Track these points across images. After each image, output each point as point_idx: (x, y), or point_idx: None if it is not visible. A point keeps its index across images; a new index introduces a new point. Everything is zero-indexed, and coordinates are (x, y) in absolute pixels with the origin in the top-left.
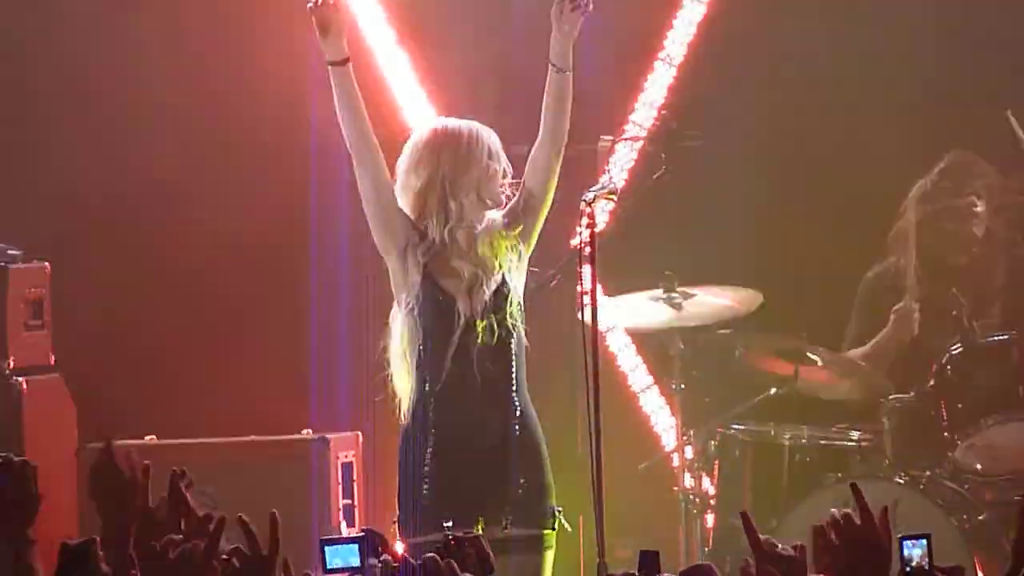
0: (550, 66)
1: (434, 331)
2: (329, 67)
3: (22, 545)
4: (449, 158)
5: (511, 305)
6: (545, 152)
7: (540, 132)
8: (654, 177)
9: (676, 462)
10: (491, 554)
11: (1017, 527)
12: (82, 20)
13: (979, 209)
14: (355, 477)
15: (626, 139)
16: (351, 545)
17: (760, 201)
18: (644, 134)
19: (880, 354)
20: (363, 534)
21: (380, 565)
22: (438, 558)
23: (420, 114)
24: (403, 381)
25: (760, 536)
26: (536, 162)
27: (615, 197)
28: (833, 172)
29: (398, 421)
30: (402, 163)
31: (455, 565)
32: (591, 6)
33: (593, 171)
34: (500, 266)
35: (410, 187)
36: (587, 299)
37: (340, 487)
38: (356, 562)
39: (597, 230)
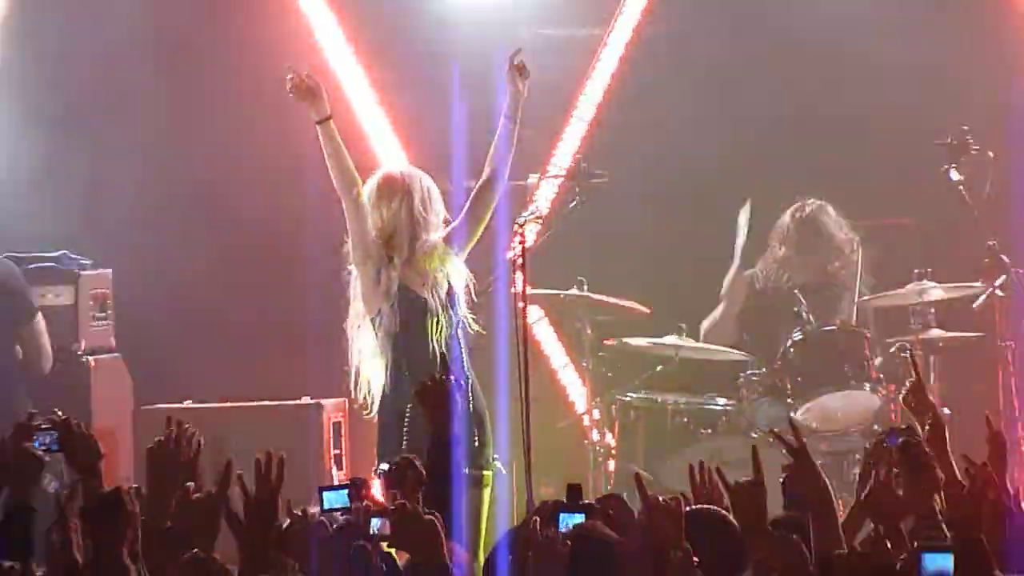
0: (504, 118)
1: (410, 324)
2: (316, 125)
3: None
4: (416, 197)
5: (459, 302)
6: (492, 185)
7: (488, 170)
8: (570, 206)
9: (587, 422)
10: (423, 471)
11: (864, 479)
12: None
13: (817, 257)
14: (343, 433)
15: (549, 177)
16: (342, 491)
17: (651, 224)
18: (562, 173)
19: (721, 325)
20: (351, 482)
21: (362, 507)
22: (405, 503)
23: (392, 158)
24: (378, 365)
25: (648, 492)
26: (484, 193)
27: (540, 220)
28: (709, 202)
29: (352, 394)
30: (370, 198)
31: (419, 508)
32: (527, 71)
33: (523, 201)
34: (448, 274)
35: (380, 217)
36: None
37: (331, 441)
38: (346, 503)
39: (527, 245)
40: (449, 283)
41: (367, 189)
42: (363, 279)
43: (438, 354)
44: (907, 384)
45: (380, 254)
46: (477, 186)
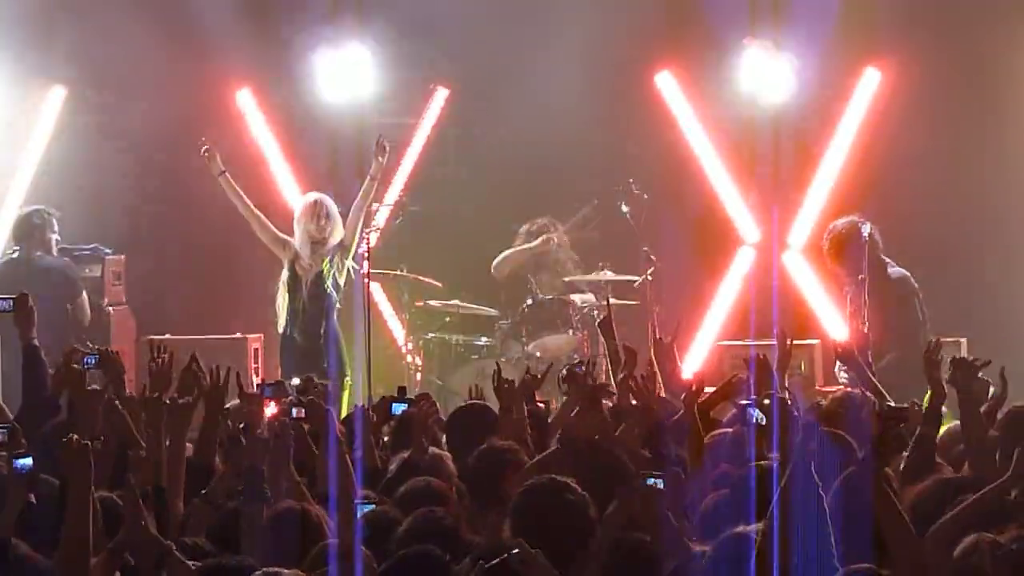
0: (368, 177)
1: (294, 289)
2: (218, 177)
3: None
4: (316, 213)
5: (327, 279)
6: (359, 211)
7: (357, 201)
8: (396, 222)
9: (404, 350)
10: (320, 384)
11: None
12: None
13: (548, 248)
14: (260, 355)
15: (385, 205)
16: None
17: (445, 234)
18: (392, 203)
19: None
20: (268, 384)
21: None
22: (313, 399)
23: (293, 192)
24: (281, 311)
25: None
26: (354, 217)
27: (379, 231)
28: (480, 221)
29: (276, 329)
30: (297, 212)
31: (319, 403)
32: (387, 149)
33: (368, 220)
34: (324, 263)
35: (297, 224)
36: (366, 278)
37: (252, 359)
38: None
39: (371, 246)
40: (324, 269)
41: (299, 204)
42: (281, 257)
43: (301, 308)
44: (601, 316)
45: (286, 246)
46: (352, 213)
